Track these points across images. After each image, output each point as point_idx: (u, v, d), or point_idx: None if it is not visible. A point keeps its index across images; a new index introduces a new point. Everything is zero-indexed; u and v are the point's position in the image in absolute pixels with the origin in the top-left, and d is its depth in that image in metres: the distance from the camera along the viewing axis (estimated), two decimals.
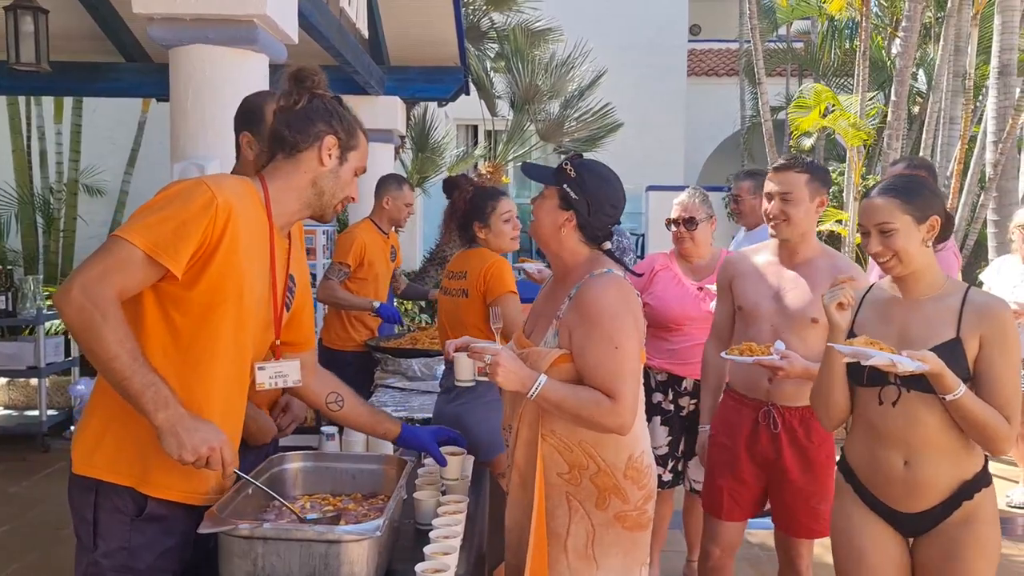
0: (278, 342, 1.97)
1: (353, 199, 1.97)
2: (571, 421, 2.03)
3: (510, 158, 8.13)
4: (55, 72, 5.09)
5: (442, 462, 2.27)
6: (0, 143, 8.85)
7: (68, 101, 8.77)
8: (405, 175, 8.01)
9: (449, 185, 3.32)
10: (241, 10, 2.97)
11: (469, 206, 3.17)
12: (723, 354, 2.62)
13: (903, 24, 7.24)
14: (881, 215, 2.09)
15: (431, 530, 1.96)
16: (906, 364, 1.93)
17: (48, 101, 8.89)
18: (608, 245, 2.15)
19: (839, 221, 6.66)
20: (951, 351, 2.03)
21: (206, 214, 1.68)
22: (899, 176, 2.28)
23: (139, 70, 6.07)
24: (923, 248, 2.09)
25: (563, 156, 8.86)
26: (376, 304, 4.42)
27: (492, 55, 8.65)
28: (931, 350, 1.99)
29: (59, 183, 9.06)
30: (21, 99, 8.68)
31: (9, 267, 6.40)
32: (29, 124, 8.92)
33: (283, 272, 1.94)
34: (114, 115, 9.17)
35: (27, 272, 8.20)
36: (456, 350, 2.18)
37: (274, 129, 1.90)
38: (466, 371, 2.19)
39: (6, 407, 6.47)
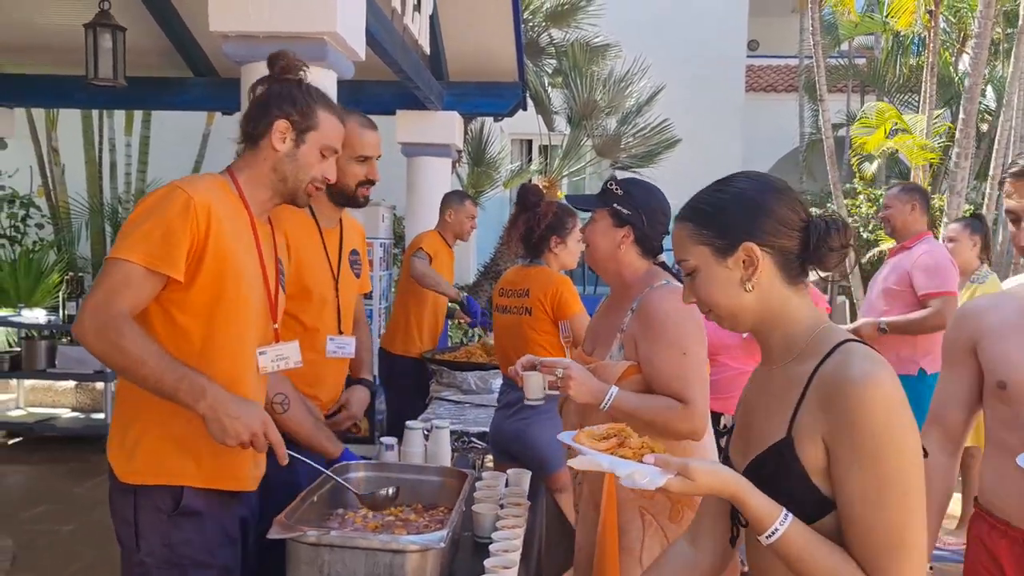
0: (275, 326, 1.99)
1: (327, 180, 1.96)
2: (644, 429, 2.02)
3: (565, 173, 8.14)
4: (128, 86, 5.27)
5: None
6: (75, 154, 9.18)
7: (138, 114, 9.08)
8: (461, 188, 8.10)
9: (528, 192, 3.21)
10: (312, 28, 3.05)
11: (554, 219, 3.15)
12: None
13: (973, 40, 7.08)
14: (676, 248, 1.40)
15: (490, 543, 1.96)
16: (640, 476, 1.21)
17: (119, 114, 9.21)
18: (663, 257, 2.17)
19: None
20: (778, 461, 1.25)
21: (187, 215, 1.72)
22: (711, 186, 1.41)
23: (206, 84, 6.26)
24: (739, 291, 1.32)
25: (618, 170, 8.87)
26: (464, 295, 4.54)
27: (550, 71, 8.70)
28: (759, 457, 1.29)
29: (127, 193, 9.37)
30: (95, 112, 9.01)
31: (80, 274, 6.63)
32: (101, 136, 9.26)
33: (271, 257, 1.97)
34: (180, 127, 9.45)
35: (95, 279, 8.49)
36: (524, 369, 2.17)
37: (240, 122, 1.93)
38: (536, 389, 2.16)
39: (73, 409, 6.68)
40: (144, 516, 1.79)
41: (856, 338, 1.28)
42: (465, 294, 4.57)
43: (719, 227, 1.33)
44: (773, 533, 1.19)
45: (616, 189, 2.14)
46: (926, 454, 1.23)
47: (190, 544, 1.81)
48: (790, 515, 1.20)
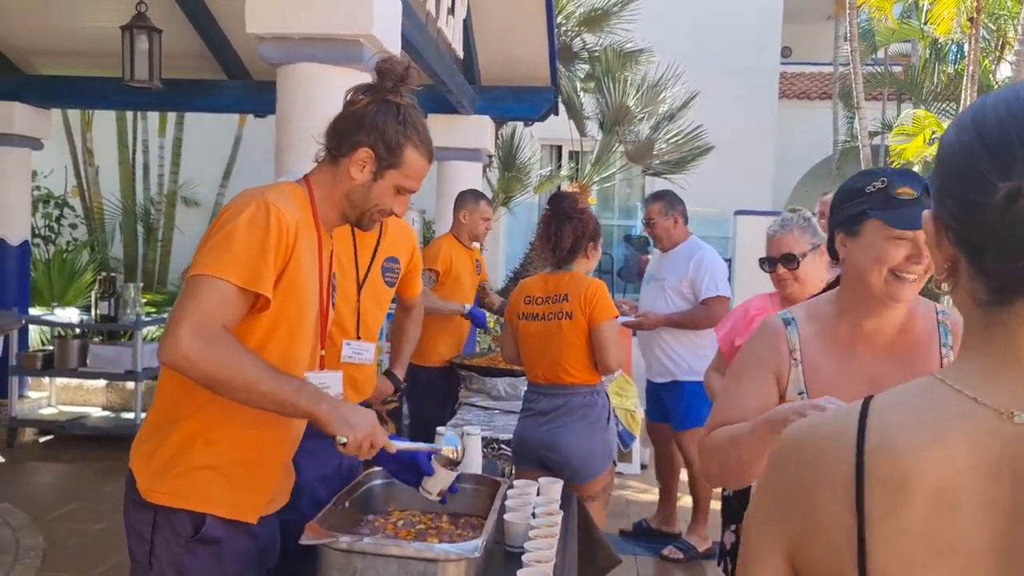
0: (322, 352, 1.93)
1: (394, 213, 1.90)
2: None
3: (596, 179, 8.10)
4: (163, 88, 5.31)
5: (428, 471, 1.93)
6: (109, 156, 9.31)
7: (171, 116, 9.18)
8: (491, 193, 8.08)
9: (569, 199, 3.17)
10: (348, 30, 3.04)
11: (595, 225, 3.14)
12: None
13: (1015, 47, 6.94)
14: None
15: (521, 553, 1.92)
16: None
17: (153, 116, 9.32)
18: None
19: None
20: None
21: (282, 237, 1.66)
22: None
23: (239, 87, 6.29)
24: None
25: (649, 176, 8.82)
26: (466, 307, 4.39)
27: (582, 76, 8.66)
28: None
29: (159, 195, 9.48)
30: (129, 114, 9.13)
31: (112, 274, 6.69)
32: (135, 138, 9.37)
33: (327, 277, 1.89)
34: (212, 130, 9.55)
35: (127, 279, 8.59)
36: None
37: (329, 126, 1.84)
38: None
39: (104, 408, 6.74)
40: (160, 536, 1.71)
41: None
42: (468, 306, 4.43)
43: None
44: None
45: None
46: None
47: (204, 573, 1.72)
48: None
